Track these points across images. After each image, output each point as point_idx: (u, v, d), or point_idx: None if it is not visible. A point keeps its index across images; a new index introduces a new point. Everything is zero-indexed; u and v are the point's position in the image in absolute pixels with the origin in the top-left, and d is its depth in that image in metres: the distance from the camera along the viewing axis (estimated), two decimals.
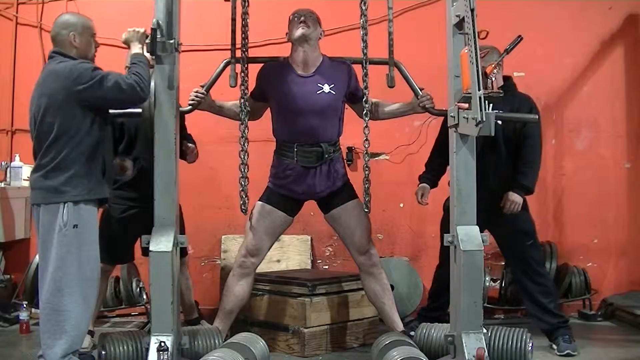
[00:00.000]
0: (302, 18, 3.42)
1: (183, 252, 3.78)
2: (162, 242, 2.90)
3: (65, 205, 2.86)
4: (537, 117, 3.50)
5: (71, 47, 3.00)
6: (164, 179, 2.98)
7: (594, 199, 4.78)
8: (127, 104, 3.00)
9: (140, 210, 3.56)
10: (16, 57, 4.89)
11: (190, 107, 3.35)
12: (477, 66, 2.63)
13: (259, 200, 3.53)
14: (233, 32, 3.43)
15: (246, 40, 3.43)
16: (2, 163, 4.63)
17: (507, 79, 3.64)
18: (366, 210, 3.41)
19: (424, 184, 3.77)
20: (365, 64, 3.38)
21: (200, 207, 4.60)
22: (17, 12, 4.91)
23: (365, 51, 3.39)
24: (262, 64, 3.56)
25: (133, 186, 3.64)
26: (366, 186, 3.40)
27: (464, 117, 2.83)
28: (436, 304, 3.86)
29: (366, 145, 3.39)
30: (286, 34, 3.50)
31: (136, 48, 3.02)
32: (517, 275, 3.79)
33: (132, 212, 3.66)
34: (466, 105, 2.81)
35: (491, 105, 2.66)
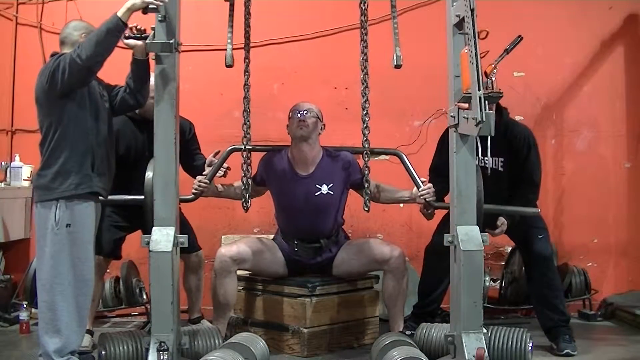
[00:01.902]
0: (303, 117, 3.47)
1: (193, 250, 3.84)
2: (162, 242, 2.90)
3: (58, 204, 2.86)
4: (538, 210, 3.55)
5: None
6: (164, 178, 2.98)
7: (594, 199, 4.77)
8: (82, 79, 2.86)
9: (130, 223, 3.68)
10: (16, 57, 4.88)
11: (193, 196, 3.44)
12: (477, 66, 2.63)
13: (273, 239, 3.68)
14: (231, 12, 3.43)
15: (248, 41, 3.45)
16: (2, 163, 4.63)
17: (500, 110, 3.60)
18: (366, 209, 3.42)
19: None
20: (367, 156, 3.46)
21: (200, 207, 4.58)
22: (17, 12, 4.90)
23: (365, 50, 3.39)
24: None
25: (125, 212, 3.68)
26: (365, 185, 3.41)
27: (464, 117, 2.83)
28: (426, 301, 3.87)
29: (366, 145, 3.40)
30: (287, 126, 3.56)
31: (119, 11, 2.83)
32: (527, 268, 3.79)
33: (123, 212, 3.70)
34: (466, 105, 2.81)
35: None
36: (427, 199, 3.42)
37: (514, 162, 3.65)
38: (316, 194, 3.51)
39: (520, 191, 3.64)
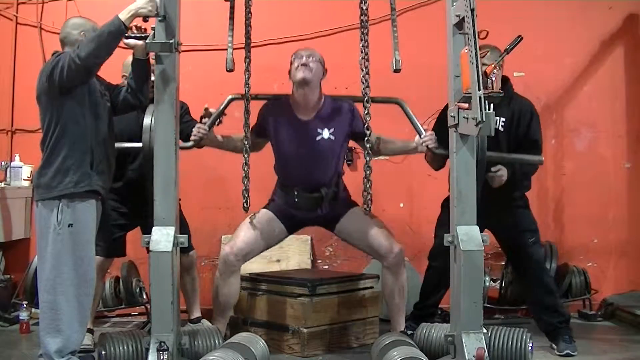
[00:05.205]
0: (304, 61, 3.42)
1: (188, 250, 3.81)
2: (162, 242, 2.90)
3: (60, 203, 2.87)
4: (542, 159, 3.53)
5: None
6: (164, 179, 2.98)
7: (594, 199, 4.77)
8: (81, 78, 2.86)
9: (128, 210, 3.68)
10: (16, 57, 4.89)
11: (192, 142, 3.40)
12: (477, 66, 2.63)
13: (264, 207, 3.56)
14: (231, 16, 3.43)
15: (249, 41, 3.44)
16: (2, 163, 4.63)
17: (505, 81, 3.61)
18: (367, 209, 3.41)
19: None
20: (367, 102, 3.37)
21: (200, 207, 4.59)
22: (17, 12, 4.90)
23: (365, 50, 3.39)
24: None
25: (122, 198, 3.66)
26: (367, 185, 3.41)
27: (464, 117, 2.83)
28: (427, 302, 3.88)
29: (367, 145, 3.39)
30: (289, 72, 3.51)
31: (121, 14, 2.86)
32: (519, 273, 3.80)
33: (120, 210, 3.70)
34: (466, 105, 2.81)
35: (492, 105, 2.65)
36: (429, 146, 3.38)
37: (516, 127, 3.58)
38: (317, 139, 3.44)
39: (523, 151, 3.57)
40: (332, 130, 3.46)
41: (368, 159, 3.41)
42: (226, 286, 3.49)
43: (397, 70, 3.37)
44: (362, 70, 3.39)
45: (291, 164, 3.50)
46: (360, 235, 3.52)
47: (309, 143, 3.45)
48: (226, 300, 3.51)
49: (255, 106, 3.50)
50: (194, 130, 3.40)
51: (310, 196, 3.48)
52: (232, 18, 3.43)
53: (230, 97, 3.50)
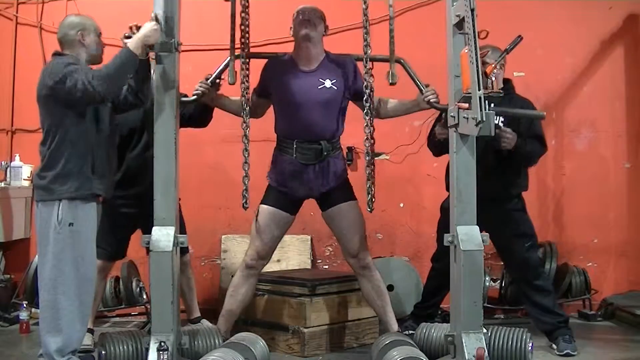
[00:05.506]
0: (306, 16, 3.43)
1: (184, 251, 3.79)
2: (162, 242, 2.90)
3: (61, 203, 2.87)
4: (543, 113, 3.51)
5: (80, 46, 3.01)
6: (163, 178, 2.98)
7: (594, 199, 4.78)
8: (90, 103, 2.91)
9: (131, 209, 3.63)
10: (16, 57, 4.89)
11: (194, 97, 3.37)
12: (477, 66, 2.63)
13: (262, 203, 3.51)
14: (232, 25, 3.42)
15: (247, 40, 3.44)
16: (2, 163, 4.64)
17: (506, 81, 3.62)
18: (369, 210, 3.40)
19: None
20: (367, 62, 3.38)
21: (200, 207, 4.59)
22: (17, 12, 4.91)
23: (366, 49, 3.39)
24: (263, 60, 3.57)
25: (123, 193, 3.62)
26: (368, 185, 3.40)
27: (464, 117, 2.83)
28: (428, 303, 3.90)
29: (367, 145, 3.39)
30: (290, 28, 3.51)
31: (130, 44, 2.91)
32: (515, 277, 3.81)
33: (122, 210, 3.67)
34: (466, 105, 2.81)
35: (492, 105, 2.66)
36: (431, 100, 3.36)
37: (517, 125, 3.55)
38: (319, 87, 3.43)
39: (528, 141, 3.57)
40: (334, 81, 3.46)
41: (368, 158, 3.41)
42: (244, 287, 3.48)
43: (392, 84, 3.39)
44: (364, 69, 3.39)
45: (292, 113, 3.46)
46: (340, 230, 3.51)
47: (311, 91, 3.43)
48: (241, 300, 3.49)
49: (255, 70, 3.50)
50: (197, 85, 3.40)
51: (309, 147, 3.44)
52: (233, 28, 3.43)
53: (229, 57, 3.47)
